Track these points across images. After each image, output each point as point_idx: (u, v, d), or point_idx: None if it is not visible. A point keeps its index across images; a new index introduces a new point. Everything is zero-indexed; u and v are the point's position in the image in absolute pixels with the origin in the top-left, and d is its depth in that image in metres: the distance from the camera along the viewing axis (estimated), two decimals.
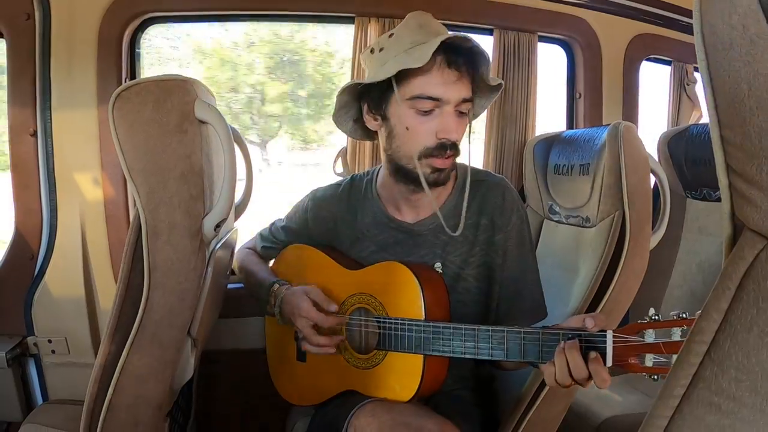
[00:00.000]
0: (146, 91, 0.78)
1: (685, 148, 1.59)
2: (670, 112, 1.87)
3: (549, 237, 1.40)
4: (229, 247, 1.14)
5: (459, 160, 1.08)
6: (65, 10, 1.30)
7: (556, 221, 1.38)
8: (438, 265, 1.03)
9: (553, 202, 1.40)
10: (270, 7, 1.47)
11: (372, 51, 1.00)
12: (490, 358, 0.87)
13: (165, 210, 0.79)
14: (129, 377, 0.83)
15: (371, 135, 1.07)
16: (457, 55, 0.93)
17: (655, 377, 0.76)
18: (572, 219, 1.31)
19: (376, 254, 1.06)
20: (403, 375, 0.93)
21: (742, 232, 0.38)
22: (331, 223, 1.11)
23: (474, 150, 1.06)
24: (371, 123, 1.02)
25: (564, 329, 0.82)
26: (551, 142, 1.43)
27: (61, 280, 1.34)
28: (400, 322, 0.93)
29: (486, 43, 1.57)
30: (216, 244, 0.98)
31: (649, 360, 0.76)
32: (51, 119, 1.31)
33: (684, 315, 0.74)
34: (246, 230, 1.28)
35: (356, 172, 1.42)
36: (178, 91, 0.79)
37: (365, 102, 1.01)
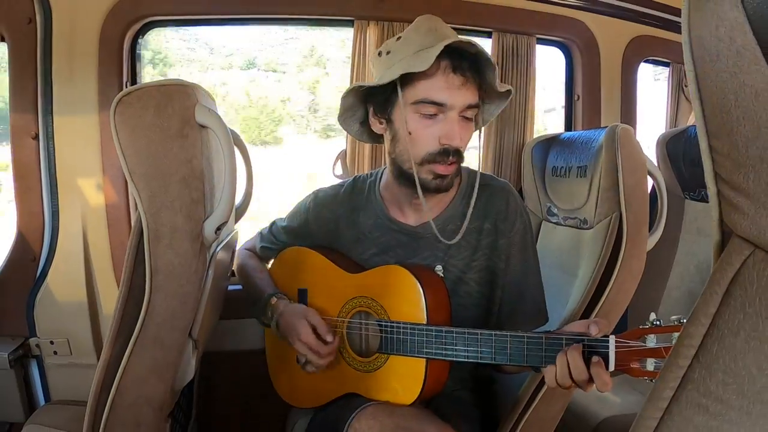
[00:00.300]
0: (147, 96, 0.79)
1: (683, 149, 1.59)
2: (669, 114, 1.88)
3: (547, 238, 1.40)
4: (230, 249, 1.14)
5: (466, 165, 1.09)
6: (66, 14, 1.31)
7: (554, 223, 1.39)
8: (439, 269, 1.03)
9: (551, 203, 1.41)
10: (270, 11, 1.47)
11: (380, 54, 1.00)
12: (492, 362, 0.88)
13: (166, 214, 0.79)
14: (131, 378, 0.84)
15: (378, 138, 1.07)
16: (463, 60, 0.92)
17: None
18: (570, 221, 1.31)
19: (377, 256, 1.06)
20: (405, 378, 0.93)
21: (730, 239, 0.39)
22: (332, 224, 1.11)
23: (472, 152, 1.07)
24: (376, 126, 1.03)
25: (567, 334, 0.83)
26: (549, 144, 1.44)
27: (63, 281, 1.35)
28: (402, 325, 0.93)
29: (485, 45, 1.58)
30: (217, 247, 0.99)
31: (651, 364, 0.77)
32: (52, 122, 1.32)
33: (684, 320, 0.75)
34: (246, 232, 1.29)
35: (355, 174, 1.43)
36: (179, 96, 0.80)
37: (371, 105, 1.02)
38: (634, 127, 1.69)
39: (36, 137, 1.32)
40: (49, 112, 1.32)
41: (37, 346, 1.35)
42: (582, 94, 1.67)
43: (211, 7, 1.43)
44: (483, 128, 1.12)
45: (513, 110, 1.58)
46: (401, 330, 0.93)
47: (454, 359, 0.90)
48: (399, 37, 0.99)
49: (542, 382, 1.03)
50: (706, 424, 0.38)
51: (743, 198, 0.37)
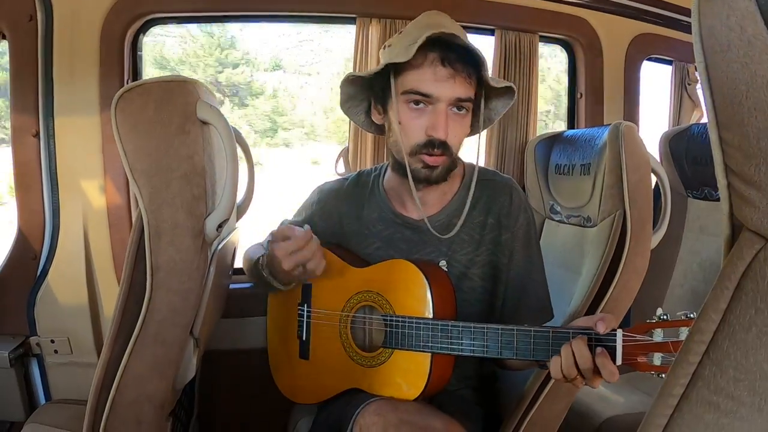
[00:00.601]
0: (148, 92, 0.78)
1: (686, 147, 1.59)
2: (672, 112, 1.87)
3: (550, 236, 1.40)
4: (231, 247, 1.14)
5: (467, 160, 1.09)
6: (67, 11, 1.31)
7: (558, 221, 1.39)
8: (443, 263, 1.03)
9: (554, 201, 1.40)
10: (272, 8, 1.47)
11: (384, 47, 1.03)
12: (498, 356, 0.87)
13: (168, 210, 0.79)
14: (132, 376, 0.84)
15: (382, 129, 1.08)
16: (452, 53, 0.92)
17: (663, 375, 0.76)
18: (573, 219, 1.31)
19: (381, 250, 1.06)
20: (409, 373, 0.93)
21: (740, 233, 0.38)
22: (336, 218, 1.12)
23: (475, 149, 1.06)
24: (376, 116, 1.04)
25: (574, 329, 0.82)
26: (552, 141, 1.44)
27: (63, 280, 1.35)
28: (407, 320, 0.93)
29: (487, 43, 1.58)
30: (218, 244, 0.99)
31: (658, 359, 0.76)
32: (53, 120, 1.32)
33: (692, 315, 0.74)
34: (248, 230, 1.28)
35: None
36: (181, 92, 0.80)
37: (372, 96, 1.03)
38: (638, 125, 1.68)
39: (36, 135, 1.32)
40: (49, 109, 1.32)
41: (38, 344, 1.35)
42: (585, 92, 1.67)
43: (212, 4, 1.43)
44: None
45: (516, 108, 1.57)
46: (407, 324, 0.93)
47: (460, 353, 0.90)
48: (401, 31, 1.01)
49: (546, 381, 1.03)
50: (716, 421, 0.37)
51: (754, 190, 0.37)
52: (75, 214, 1.35)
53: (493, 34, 1.56)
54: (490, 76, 0.98)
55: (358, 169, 1.47)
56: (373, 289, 0.99)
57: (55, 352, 1.36)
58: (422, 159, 0.96)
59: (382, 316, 0.97)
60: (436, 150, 0.95)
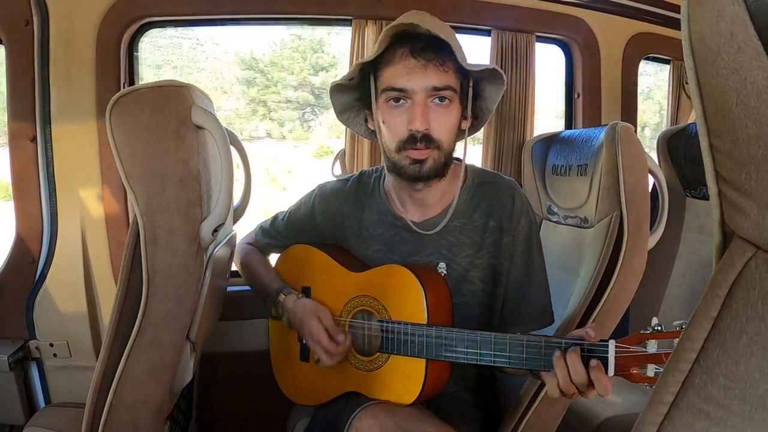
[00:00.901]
0: (144, 97, 0.78)
1: (684, 146, 1.59)
2: (670, 111, 1.87)
3: (548, 237, 1.40)
4: (228, 250, 1.14)
5: (464, 158, 1.08)
6: (64, 16, 1.31)
7: (555, 222, 1.39)
8: (442, 266, 1.02)
9: (551, 202, 1.40)
10: (268, 10, 1.47)
11: None
12: (492, 364, 0.87)
13: (163, 215, 0.79)
14: (129, 380, 0.84)
15: None
16: (420, 43, 0.92)
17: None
18: (571, 219, 1.31)
19: (381, 253, 1.06)
20: (405, 378, 0.93)
21: (731, 240, 0.38)
22: (338, 219, 1.11)
23: (473, 150, 1.06)
24: (370, 123, 1.04)
25: (566, 338, 0.82)
26: (549, 142, 1.43)
27: (62, 283, 1.35)
28: (402, 326, 0.93)
29: (484, 44, 1.58)
30: (214, 248, 0.99)
31: (651, 370, 0.76)
32: (50, 124, 1.32)
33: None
34: (244, 233, 1.28)
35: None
36: (176, 97, 0.80)
37: (363, 103, 1.03)
38: (635, 125, 1.68)
39: (34, 140, 1.32)
40: (46, 114, 1.32)
41: (37, 348, 1.35)
42: (582, 92, 1.66)
43: (208, 7, 1.43)
44: (483, 126, 1.10)
45: (513, 108, 1.57)
46: (401, 330, 0.93)
47: (454, 360, 0.90)
48: None
49: (543, 383, 1.03)
50: (707, 430, 0.37)
51: (745, 198, 0.37)
52: (72, 218, 1.35)
53: (489, 35, 1.56)
54: (473, 63, 0.96)
55: (355, 171, 1.47)
56: (370, 294, 0.99)
57: (54, 355, 1.36)
58: (408, 154, 0.95)
59: (378, 321, 0.97)
60: (419, 144, 0.94)
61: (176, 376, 0.93)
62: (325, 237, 1.13)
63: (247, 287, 1.20)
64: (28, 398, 1.36)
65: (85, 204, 1.36)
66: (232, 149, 1.03)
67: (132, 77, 1.42)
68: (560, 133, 1.43)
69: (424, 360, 0.91)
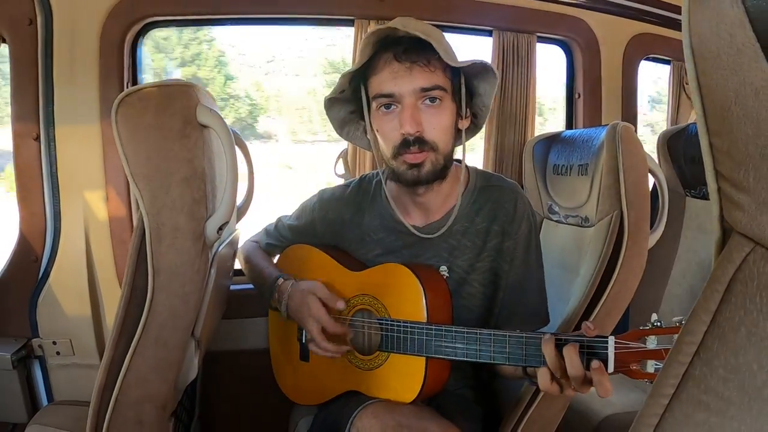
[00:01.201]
0: (149, 96, 0.79)
1: (684, 146, 1.59)
2: (670, 111, 1.88)
3: (549, 237, 1.40)
4: (232, 248, 1.15)
5: (463, 159, 1.08)
6: (67, 15, 1.31)
7: (556, 221, 1.39)
8: (444, 269, 1.03)
9: (552, 201, 1.41)
10: (271, 11, 1.48)
11: None
12: (491, 361, 0.87)
13: (168, 214, 0.80)
14: (134, 378, 0.84)
15: None
16: (402, 46, 0.92)
17: None
18: (571, 219, 1.32)
19: (382, 257, 1.06)
20: (405, 376, 0.93)
21: (730, 236, 0.39)
22: (338, 225, 1.11)
23: (474, 150, 1.06)
24: (370, 133, 1.03)
25: (566, 335, 0.82)
26: (550, 142, 1.44)
27: (65, 282, 1.36)
28: (402, 324, 0.93)
29: (485, 44, 1.59)
30: (218, 247, 0.99)
31: (651, 366, 0.75)
32: (54, 123, 1.33)
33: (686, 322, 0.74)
34: (248, 232, 1.29)
35: (356, 174, 1.43)
36: (180, 96, 0.80)
37: (360, 116, 1.04)
38: (635, 125, 1.69)
39: (37, 138, 1.32)
40: (50, 113, 1.32)
41: (40, 346, 1.36)
42: (583, 92, 1.67)
43: (212, 7, 1.43)
44: (485, 126, 1.10)
45: (514, 108, 1.58)
46: (401, 328, 0.93)
47: (453, 358, 0.90)
48: None
49: None
50: (707, 420, 0.38)
51: (744, 195, 0.38)
52: (76, 217, 1.36)
53: (491, 35, 1.57)
54: (463, 60, 0.95)
55: (357, 171, 1.48)
56: (370, 293, 1.00)
57: (57, 353, 1.36)
58: (404, 160, 0.95)
59: (377, 319, 0.97)
60: (412, 147, 0.93)
61: (181, 373, 0.93)
62: (326, 242, 1.14)
63: (250, 286, 1.21)
64: (31, 396, 1.37)
65: (88, 202, 1.36)
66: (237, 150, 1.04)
67: (135, 76, 1.43)
68: (561, 133, 1.44)
69: (424, 358, 0.91)
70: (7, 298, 1.35)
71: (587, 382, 0.78)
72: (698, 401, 0.39)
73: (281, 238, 1.20)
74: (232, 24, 1.56)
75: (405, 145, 0.93)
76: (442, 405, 1.00)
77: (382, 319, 0.97)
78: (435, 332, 0.90)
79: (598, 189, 1.17)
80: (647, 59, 1.76)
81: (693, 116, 1.87)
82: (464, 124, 1.01)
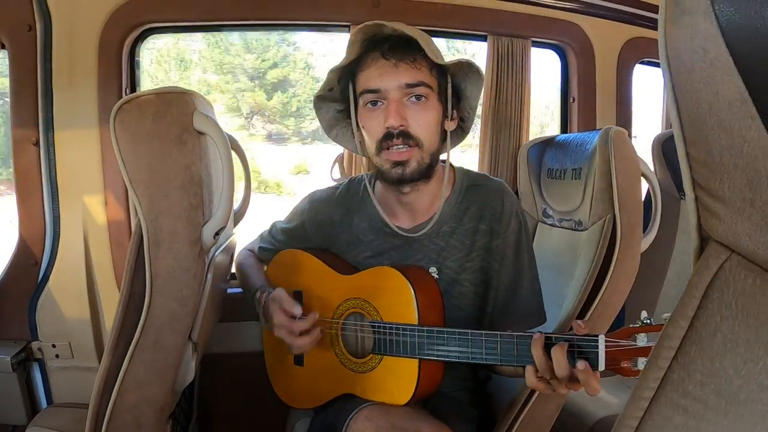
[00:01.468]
0: (147, 103, 0.80)
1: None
2: (664, 115, 1.89)
3: (543, 240, 1.42)
4: (228, 253, 1.16)
5: (456, 163, 1.08)
6: (66, 21, 1.33)
7: (550, 224, 1.41)
8: (433, 270, 1.03)
9: (546, 205, 1.42)
10: (268, 16, 1.48)
11: None
12: (483, 362, 0.88)
13: (166, 219, 0.81)
14: (132, 381, 0.85)
15: None
16: (388, 43, 0.94)
17: None
18: (565, 222, 1.33)
19: (372, 259, 1.07)
20: (399, 379, 0.94)
21: (708, 243, 0.40)
22: (328, 227, 1.12)
23: (469, 154, 1.07)
24: (356, 132, 1.04)
25: (557, 334, 0.83)
26: (545, 146, 1.45)
27: (64, 285, 1.37)
28: (393, 326, 0.94)
29: (480, 49, 1.60)
30: (215, 251, 1.01)
31: (642, 364, 0.76)
32: (53, 129, 1.34)
33: None
34: (244, 236, 1.30)
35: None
36: (178, 104, 0.82)
37: (347, 113, 1.05)
38: (630, 129, 1.70)
39: (36, 143, 1.34)
40: (49, 118, 1.34)
41: (39, 349, 1.37)
42: (577, 97, 1.68)
43: (209, 13, 1.44)
44: (479, 130, 1.12)
45: (509, 112, 1.59)
46: (392, 331, 0.94)
47: (446, 359, 0.91)
48: None
49: None
50: (685, 423, 0.39)
51: (719, 204, 0.39)
52: (75, 221, 1.37)
53: (485, 40, 1.58)
54: (454, 60, 0.97)
55: (353, 175, 1.49)
56: (361, 296, 1.00)
57: (57, 356, 1.38)
58: (388, 157, 0.96)
59: (369, 322, 0.98)
60: (395, 140, 0.94)
61: (179, 376, 0.94)
62: (317, 245, 1.14)
63: None
64: (30, 399, 1.38)
65: (87, 207, 1.38)
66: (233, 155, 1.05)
67: (133, 83, 1.44)
68: (555, 137, 1.45)
69: (417, 360, 0.92)
70: (6, 301, 1.36)
71: (575, 380, 0.79)
72: (677, 404, 0.40)
73: (275, 242, 1.20)
74: (229, 30, 1.57)
75: (388, 137, 0.94)
76: (437, 407, 1.01)
77: (374, 322, 0.97)
78: (427, 334, 0.91)
79: (591, 193, 1.18)
80: (642, 63, 1.77)
81: None
82: (450, 125, 1.02)
